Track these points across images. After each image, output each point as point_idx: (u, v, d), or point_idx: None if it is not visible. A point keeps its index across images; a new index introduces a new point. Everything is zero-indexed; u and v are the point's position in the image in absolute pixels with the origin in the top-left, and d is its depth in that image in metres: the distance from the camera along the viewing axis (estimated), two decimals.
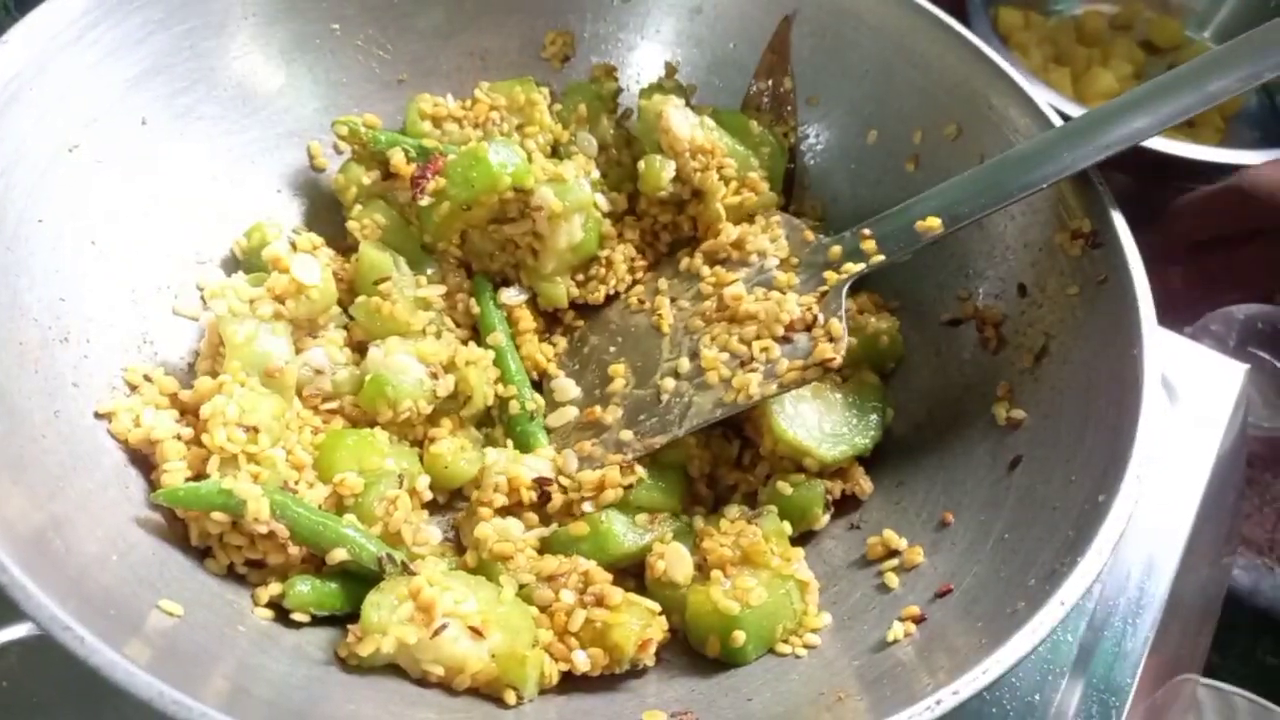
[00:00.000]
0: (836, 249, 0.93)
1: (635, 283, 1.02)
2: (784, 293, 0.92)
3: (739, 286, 0.93)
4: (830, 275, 0.91)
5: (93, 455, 0.74)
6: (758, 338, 0.89)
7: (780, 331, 0.88)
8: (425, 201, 0.94)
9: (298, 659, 0.71)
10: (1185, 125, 1.47)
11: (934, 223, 0.88)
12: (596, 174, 1.02)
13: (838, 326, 0.86)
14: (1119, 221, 0.84)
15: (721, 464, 0.92)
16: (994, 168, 0.90)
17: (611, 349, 0.97)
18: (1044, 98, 0.94)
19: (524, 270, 0.99)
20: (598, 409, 0.91)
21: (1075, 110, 1.18)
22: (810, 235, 0.97)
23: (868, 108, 1.04)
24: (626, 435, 0.87)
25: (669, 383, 0.90)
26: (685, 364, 0.90)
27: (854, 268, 0.90)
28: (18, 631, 0.92)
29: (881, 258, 0.90)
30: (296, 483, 0.79)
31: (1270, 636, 1.32)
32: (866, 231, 0.92)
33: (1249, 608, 1.30)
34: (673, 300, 0.98)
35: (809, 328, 0.88)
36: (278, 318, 0.85)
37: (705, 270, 0.98)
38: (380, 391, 0.85)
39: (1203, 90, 0.83)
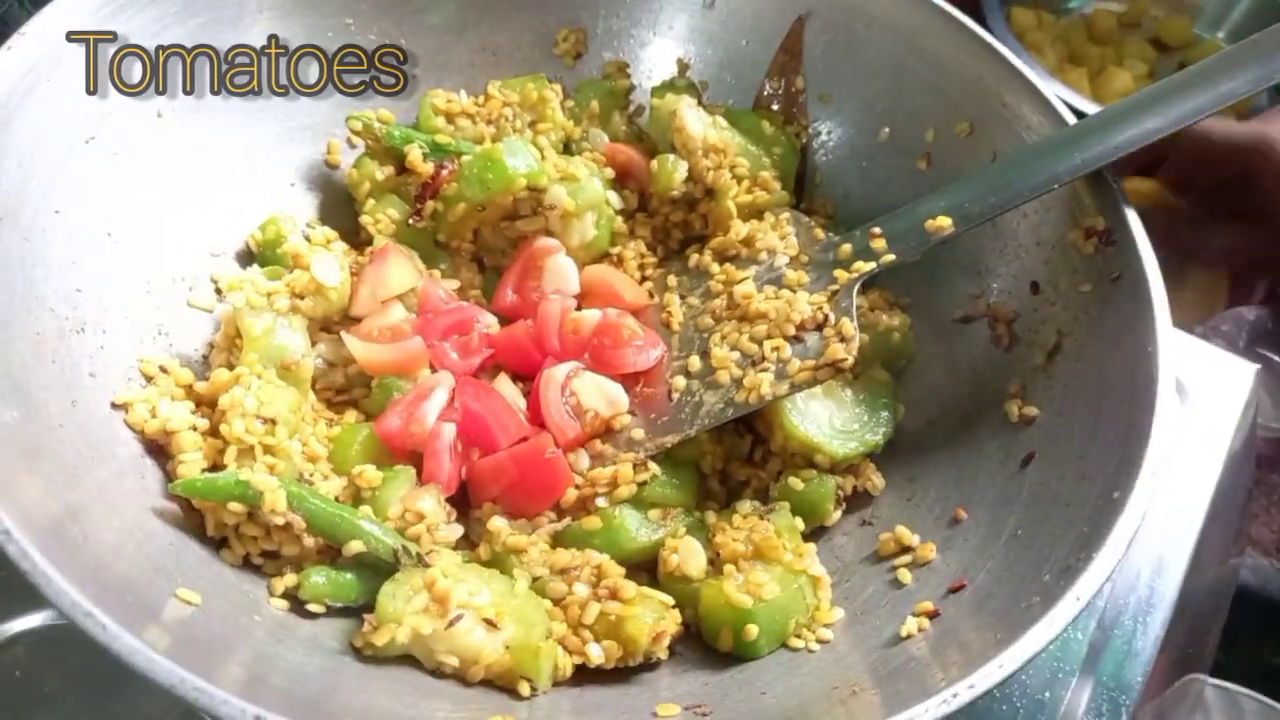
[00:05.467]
0: (846, 247, 0.93)
1: (645, 279, 1.02)
2: (794, 291, 0.91)
3: (749, 285, 0.93)
4: (840, 274, 0.91)
5: (109, 445, 0.75)
6: (768, 337, 0.88)
7: (791, 331, 0.88)
8: (422, 225, 0.96)
9: (313, 649, 0.71)
10: None
11: (945, 222, 0.88)
12: (609, 171, 1.02)
13: (849, 326, 0.86)
14: (1132, 219, 0.84)
15: (733, 460, 0.92)
16: (1006, 167, 0.90)
17: None
18: (1061, 96, 0.94)
19: None
20: None
21: (1093, 110, 1.18)
22: (820, 233, 0.97)
23: (880, 105, 1.04)
24: (638, 434, 0.87)
25: (680, 381, 0.90)
26: (696, 362, 0.90)
27: (864, 266, 0.90)
28: (28, 623, 0.93)
29: (892, 257, 0.90)
30: (312, 475, 0.79)
31: (1277, 637, 1.32)
32: (877, 230, 0.92)
33: (1256, 608, 1.31)
34: (683, 298, 0.98)
35: (820, 327, 0.87)
36: (294, 311, 0.85)
37: (715, 267, 0.98)
38: (388, 395, 0.86)
39: (1214, 91, 0.83)
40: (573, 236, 0.98)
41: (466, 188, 0.93)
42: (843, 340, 0.85)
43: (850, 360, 0.84)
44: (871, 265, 0.90)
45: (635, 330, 0.92)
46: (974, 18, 0.99)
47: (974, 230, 0.90)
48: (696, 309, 0.96)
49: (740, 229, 0.98)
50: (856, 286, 0.90)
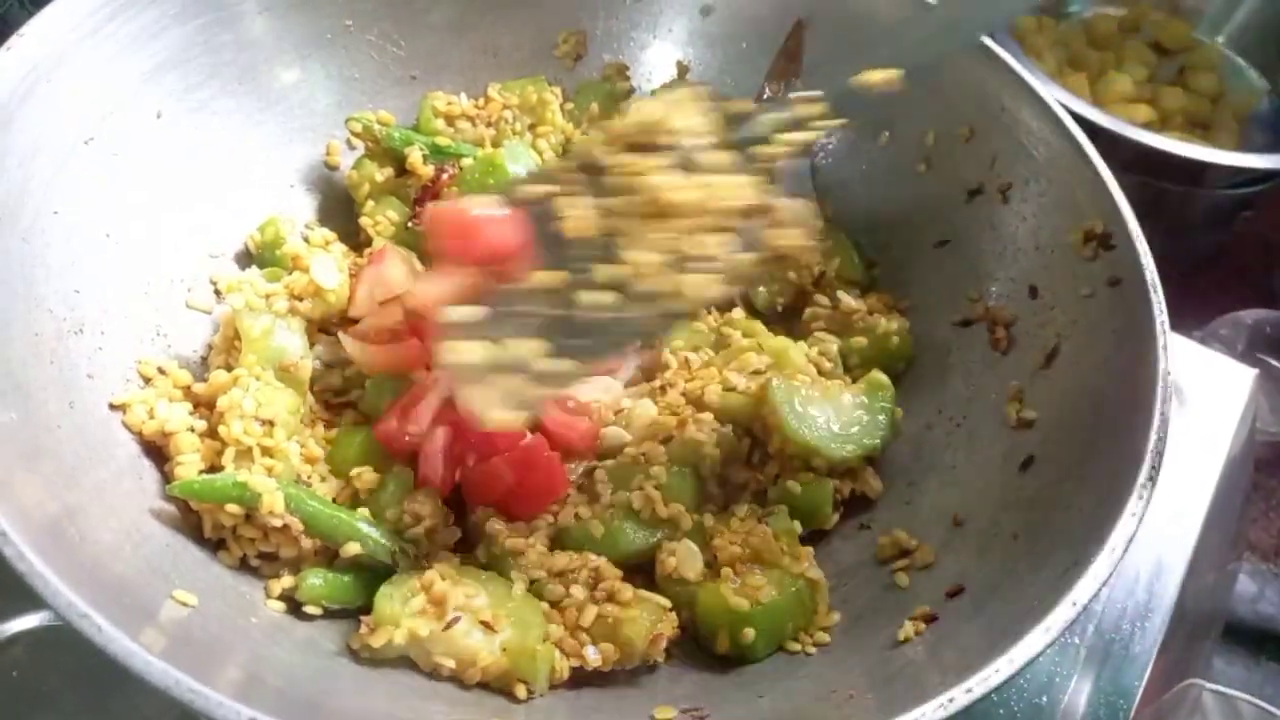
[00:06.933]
0: (774, 117, 0.79)
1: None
2: (722, 176, 0.77)
3: (666, 175, 0.76)
4: (771, 149, 0.79)
5: (107, 446, 0.75)
6: (698, 232, 0.75)
7: (726, 222, 0.75)
8: (423, 228, 0.94)
9: (310, 650, 0.71)
10: (1200, 127, 1.47)
11: (888, 74, 0.78)
12: None
13: (795, 207, 0.75)
14: (1132, 223, 0.84)
15: (732, 462, 0.92)
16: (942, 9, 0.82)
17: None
18: (1061, 100, 0.94)
19: None
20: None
21: (1092, 114, 1.18)
22: (740, 106, 0.82)
23: (879, 109, 1.04)
24: (565, 365, 0.74)
25: (591, 297, 0.75)
26: (609, 272, 0.75)
27: (801, 136, 0.78)
28: (26, 623, 0.93)
29: (830, 122, 0.79)
30: (309, 477, 0.79)
31: (1275, 642, 1.32)
32: (807, 94, 0.80)
33: (1254, 613, 1.30)
34: (588, 198, 0.78)
35: (759, 213, 0.76)
36: (293, 313, 0.85)
37: (618, 159, 0.78)
38: (381, 395, 0.85)
39: None
40: None
41: (467, 192, 0.93)
42: (788, 226, 0.76)
43: (800, 244, 0.75)
44: (811, 134, 0.79)
45: None
46: None
47: (972, 233, 0.90)
48: (606, 210, 0.77)
49: (647, 111, 0.79)
50: (806, 162, 0.79)
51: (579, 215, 0.76)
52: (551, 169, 0.82)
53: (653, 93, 1.08)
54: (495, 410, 0.72)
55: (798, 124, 0.80)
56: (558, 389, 0.76)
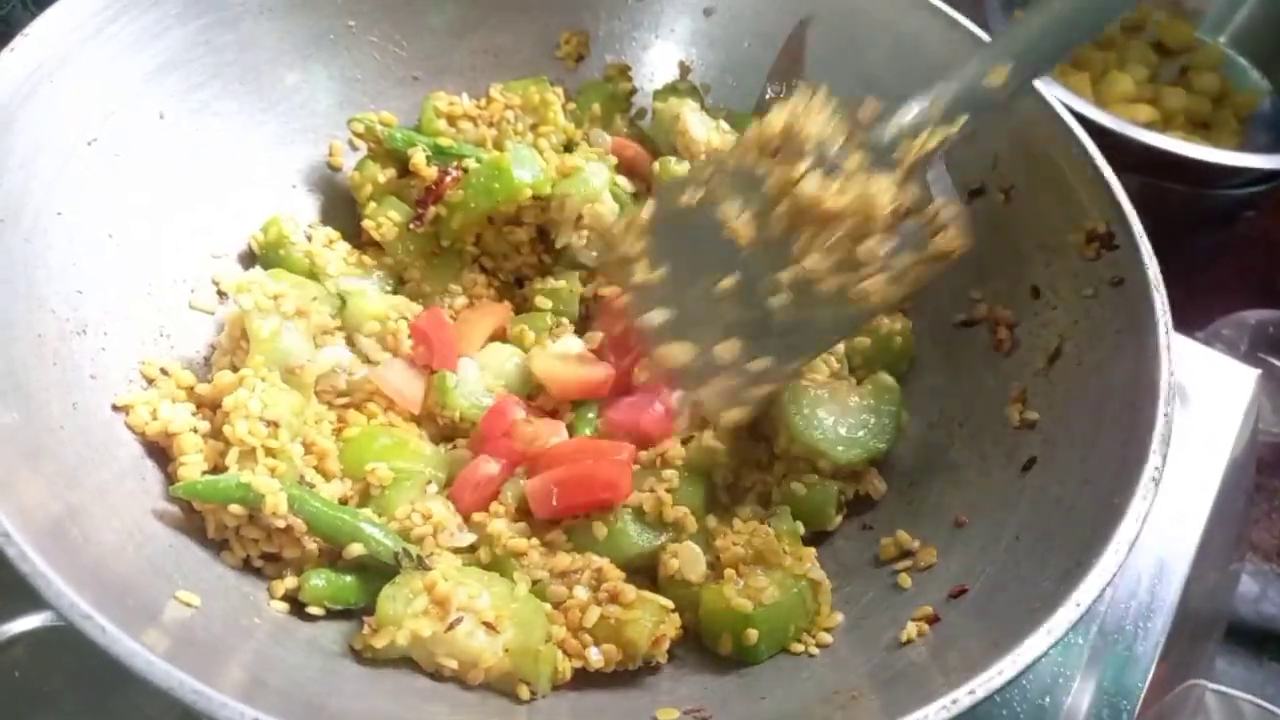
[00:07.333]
0: (906, 120, 0.78)
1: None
2: (865, 177, 0.77)
3: (813, 181, 0.76)
4: (906, 150, 0.77)
5: (110, 447, 0.75)
6: (861, 236, 0.76)
7: (882, 225, 0.75)
8: (422, 230, 0.95)
9: (313, 651, 0.71)
10: (1202, 127, 1.47)
11: (1002, 73, 0.76)
12: (613, 159, 1.02)
13: (947, 207, 0.75)
14: (1134, 223, 0.84)
15: (741, 466, 0.91)
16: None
17: (692, 270, 0.82)
18: (1062, 99, 0.94)
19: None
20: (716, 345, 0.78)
21: (1094, 113, 1.18)
22: (867, 111, 0.80)
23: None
24: (760, 364, 0.77)
25: (780, 300, 0.77)
26: (788, 277, 0.77)
27: (937, 136, 0.77)
28: (28, 623, 0.93)
29: (964, 117, 0.76)
30: (312, 478, 0.79)
31: (1277, 642, 1.32)
32: (934, 95, 0.78)
33: (1256, 613, 1.30)
34: (742, 206, 0.80)
35: (909, 214, 0.76)
36: (300, 315, 0.85)
37: (763, 167, 0.79)
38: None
39: None
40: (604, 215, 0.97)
41: (473, 197, 0.93)
42: (941, 226, 0.76)
43: (961, 244, 0.75)
44: (947, 131, 0.77)
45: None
46: (976, 21, 0.99)
47: (975, 233, 0.89)
48: (763, 216, 0.79)
49: (775, 121, 0.79)
50: (939, 159, 0.78)
51: (746, 222, 0.78)
52: (699, 175, 0.84)
53: (655, 93, 1.08)
54: (724, 409, 0.76)
55: (921, 126, 0.78)
56: (770, 385, 0.78)
